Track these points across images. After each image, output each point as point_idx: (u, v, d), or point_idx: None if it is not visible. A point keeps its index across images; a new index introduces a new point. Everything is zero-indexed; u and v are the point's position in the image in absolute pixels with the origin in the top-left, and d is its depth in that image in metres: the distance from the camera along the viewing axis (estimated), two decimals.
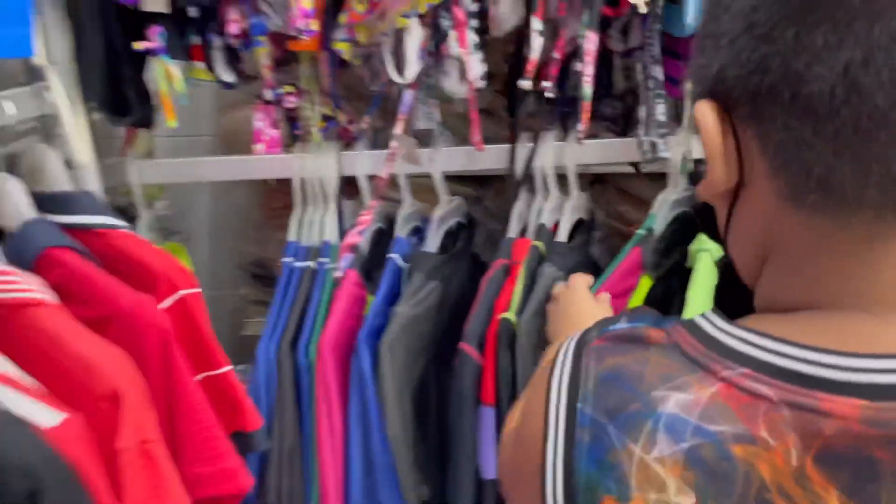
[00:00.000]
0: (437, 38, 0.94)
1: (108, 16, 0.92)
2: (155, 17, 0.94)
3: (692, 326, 0.44)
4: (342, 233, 1.08)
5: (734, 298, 0.52)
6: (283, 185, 1.38)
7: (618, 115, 1.19)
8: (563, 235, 1.10)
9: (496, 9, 0.91)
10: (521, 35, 1.00)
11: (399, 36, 0.95)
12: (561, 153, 1.08)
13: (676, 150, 1.02)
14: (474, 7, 0.92)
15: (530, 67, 0.91)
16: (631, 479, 0.42)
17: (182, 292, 0.84)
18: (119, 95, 0.98)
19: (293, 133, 1.13)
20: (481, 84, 0.96)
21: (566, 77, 1.01)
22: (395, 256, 1.05)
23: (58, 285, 0.74)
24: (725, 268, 0.55)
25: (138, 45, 0.91)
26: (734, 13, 0.41)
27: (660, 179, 1.10)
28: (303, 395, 0.97)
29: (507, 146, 1.07)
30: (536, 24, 0.89)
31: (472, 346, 0.95)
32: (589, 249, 1.16)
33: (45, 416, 0.53)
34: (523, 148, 1.08)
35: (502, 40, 1.07)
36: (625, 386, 0.44)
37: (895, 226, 0.40)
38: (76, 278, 0.77)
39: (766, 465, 0.40)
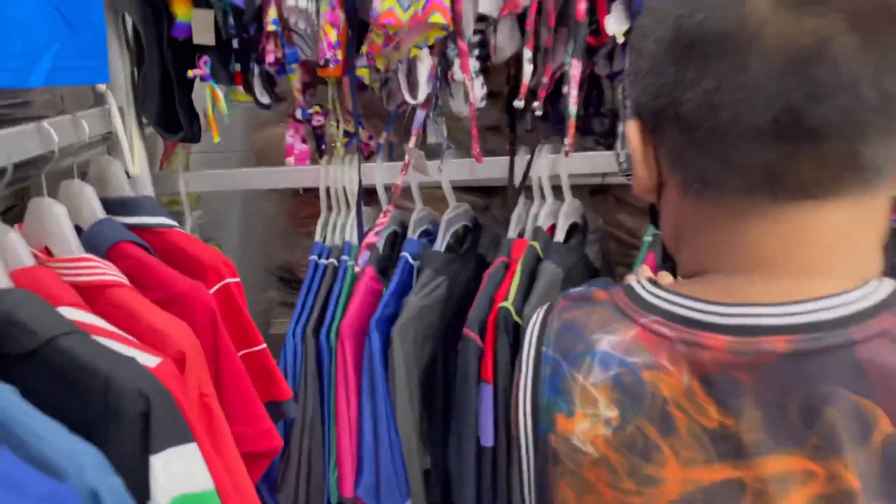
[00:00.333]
0: (444, 66, 1.08)
1: (164, 47, 1.08)
2: (203, 48, 1.10)
3: (628, 289, 0.58)
4: (361, 234, 1.23)
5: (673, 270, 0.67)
6: (309, 196, 1.53)
7: (606, 131, 1.33)
8: (559, 237, 1.24)
9: (495, 39, 1.05)
10: (519, 61, 1.15)
11: (412, 63, 1.10)
12: (554, 164, 1.22)
13: None
14: (476, 38, 1.07)
15: (522, 90, 1.05)
16: (575, 399, 0.56)
17: (226, 280, 0.99)
18: (171, 115, 1.13)
19: (320, 147, 1.29)
20: (482, 104, 1.11)
21: (559, 98, 1.15)
22: (406, 255, 1.19)
23: (126, 273, 0.89)
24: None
25: (192, 73, 1.07)
26: (644, 56, 0.56)
27: None
28: (324, 373, 1.12)
29: (506, 158, 1.22)
30: (527, 53, 1.03)
31: (474, 332, 1.09)
32: (584, 250, 1.30)
33: (146, 358, 0.68)
34: (521, 160, 1.23)
35: (505, 64, 1.22)
36: (575, 332, 0.58)
37: (754, 205, 0.53)
38: (141, 267, 0.92)
39: (667, 386, 0.53)
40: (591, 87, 1.32)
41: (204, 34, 1.06)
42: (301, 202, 1.69)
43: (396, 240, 1.28)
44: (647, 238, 1.17)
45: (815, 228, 0.52)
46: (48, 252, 0.87)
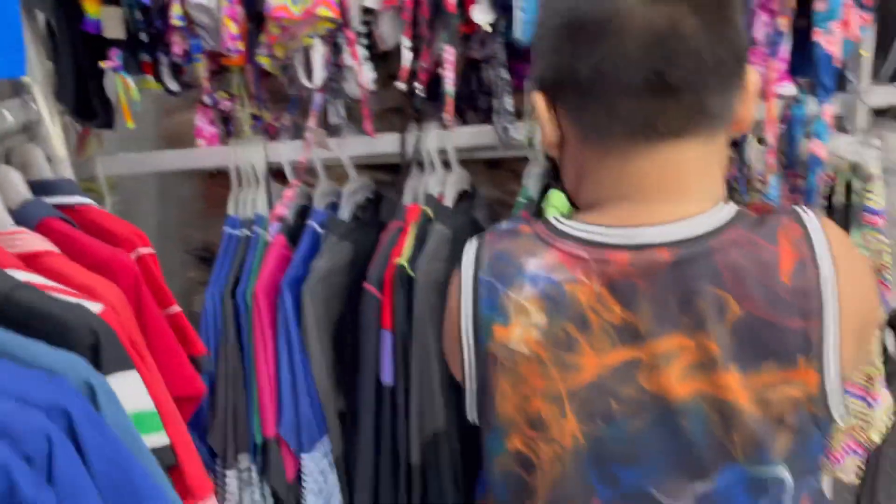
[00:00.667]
0: (335, 53, 1.23)
1: (77, 41, 1.18)
2: (114, 41, 1.21)
3: (545, 222, 0.75)
4: (271, 207, 1.36)
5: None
6: (222, 179, 1.64)
7: (489, 108, 1.50)
8: (448, 202, 1.40)
9: (378, 30, 1.20)
10: None
11: (307, 51, 1.24)
12: (442, 138, 1.38)
13: (528, 132, 1.33)
14: (363, 28, 1.21)
15: (403, 74, 1.21)
16: (510, 312, 0.72)
17: (140, 250, 1.10)
18: (87, 103, 1.24)
19: (228, 130, 1.41)
20: (372, 87, 1.26)
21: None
22: (313, 224, 1.33)
23: (55, 245, 1.01)
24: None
25: (104, 64, 1.17)
26: (543, 41, 0.72)
27: None
28: (242, 330, 1.25)
29: (398, 134, 1.37)
30: (405, 42, 1.19)
31: (374, 286, 1.24)
32: (473, 214, 1.47)
33: (89, 305, 0.80)
34: (413, 136, 1.38)
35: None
36: (506, 259, 0.74)
37: (635, 147, 0.70)
38: (67, 240, 1.03)
39: (583, 294, 0.70)
40: (473, 69, 1.49)
41: (114, 29, 1.17)
42: (215, 185, 1.79)
43: (304, 212, 1.42)
44: (521, 199, 1.35)
45: (681, 161, 0.71)
46: None
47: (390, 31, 1.22)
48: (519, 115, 1.31)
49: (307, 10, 1.12)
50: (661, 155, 0.70)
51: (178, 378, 1.05)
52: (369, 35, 1.23)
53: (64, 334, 0.76)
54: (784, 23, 1.17)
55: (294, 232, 1.36)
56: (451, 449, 1.27)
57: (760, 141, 1.31)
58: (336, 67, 1.27)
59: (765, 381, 0.67)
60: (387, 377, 1.22)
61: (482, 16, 1.16)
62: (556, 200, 1.20)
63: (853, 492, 1.86)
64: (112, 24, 1.17)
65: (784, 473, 0.69)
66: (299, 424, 1.25)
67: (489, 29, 1.19)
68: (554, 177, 1.43)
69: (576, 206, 0.80)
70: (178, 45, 1.20)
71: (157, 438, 0.85)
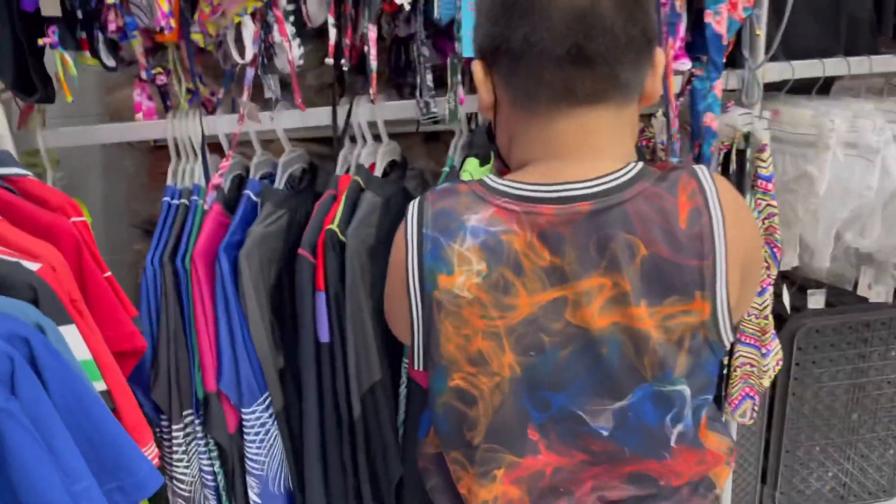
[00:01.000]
0: (265, 30, 1.30)
1: (13, 18, 1.23)
2: (51, 18, 1.25)
3: (481, 181, 0.84)
4: (208, 177, 1.43)
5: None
6: (164, 152, 1.70)
7: (415, 83, 1.59)
8: (378, 172, 1.49)
9: (306, 8, 1.28)
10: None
11: (239, 29, 1.31)
12: (372, 112, 1.46)
13: (450, 106, 1.42)
14: (290, 7, 1.28)
15: (330, 50, 1.29)
16: (454, 261, 0.81)
17: (73, 219, 1.17)
18: (26, 79, 1.29)
19: (165, 104, 1.47)
20: (300, 62, 1.33)
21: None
22: (249, 192, 1.40)
23: None
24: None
25: (42, 41, 1.22)
26: (483, 14, 0.81)
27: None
28: (182, 293, 1.33)
29: (329, 107, 1.45)
30: (330, 20, 1.26)
31: (307, 251, 1.33)
32: (403, 183, 1.56)
33: (28, 264, 0.87)
34: (343, 109, 1.46)
35: None
36: (448, 215, 0.82)
37: (559, 111, 0.79)
38: (8, 206, 1.09)
39: (517, 242, 0.80)
40: (401, 46, 1.58)
41: (51, 6, 1.22)
42: (158, 159, 1.84)
43: (241, 182, 1.49)
44: (445, 169, 1.44)
45: (597, 125, 0.81)
46: None
47: (317, 10, 1.30)
48: (444, 88, 1.40)
49: None
50: (580, 119, 0.81)
51: (119, 334, 1.13)
52: (300, 13, 1.30)
53: (4, 290, 0.84)
54: (680, 4, 1.28)
55: (232, 201, 1.43)
56: (388, 398, 1.37)
57: (665, 115, 1.42)
58: (267, 44, 1.34)
59: (668, 312, 0.79)
60: (324, 336, 1.31)
61: None
62: (471, 166, 1.30)
63: (762, 437, 2.02)
64: (49, 1, 1.22)
65: (684, 388, 0.82)
66: (239, 381, 1.33)
67: (408, 7, 1.27)
68: (490, 139, 1.53)
69: (507, 166, 0.90)
70: (113, 23, 1.25)
71: (96, 385, 0.93)
